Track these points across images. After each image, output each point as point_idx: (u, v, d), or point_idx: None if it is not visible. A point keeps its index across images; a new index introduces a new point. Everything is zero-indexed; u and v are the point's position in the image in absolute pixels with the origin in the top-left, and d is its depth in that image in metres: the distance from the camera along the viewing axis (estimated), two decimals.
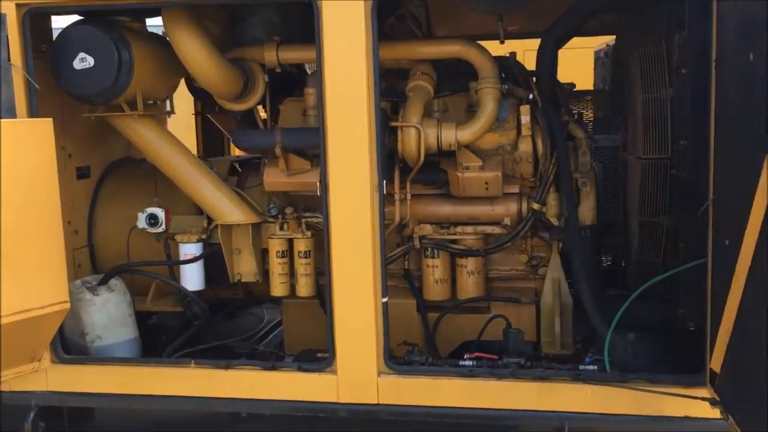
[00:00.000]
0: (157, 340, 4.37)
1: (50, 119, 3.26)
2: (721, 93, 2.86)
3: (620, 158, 4.08)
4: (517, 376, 3.37)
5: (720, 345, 2.93)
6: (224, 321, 4.99)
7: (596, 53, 5.28)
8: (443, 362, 3.60)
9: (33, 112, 3.46)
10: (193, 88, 4.74)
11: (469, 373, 3.43)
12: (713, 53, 2.92)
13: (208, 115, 5.36)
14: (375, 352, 3.45)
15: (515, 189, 4.00)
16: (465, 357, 3.61)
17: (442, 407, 3.43)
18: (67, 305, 3.37)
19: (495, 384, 3.38)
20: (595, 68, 5.21)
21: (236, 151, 6.14)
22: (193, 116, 5.54)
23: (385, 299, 3.45)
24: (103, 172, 4.52)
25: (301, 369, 3.56)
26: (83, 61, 3.57)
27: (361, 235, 3.37)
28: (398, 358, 3.65)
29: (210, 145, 5.76)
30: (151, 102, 4.10)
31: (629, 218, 4.02)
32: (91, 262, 4.42)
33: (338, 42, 3.25)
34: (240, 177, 4.36)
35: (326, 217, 3.42)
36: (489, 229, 4.07)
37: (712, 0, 2.91)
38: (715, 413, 3.01)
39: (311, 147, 3.91)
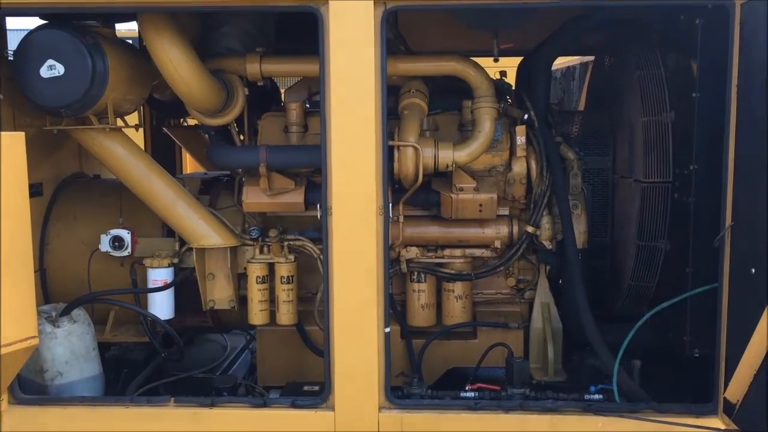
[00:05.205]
0: (117, 375, 4.01)
1: (22, 133, 2.89)
2: (746, 118, 2.83)
3: (610, 180, 4.03)
4: (526, 408, 3.23)
5: (742, 375, 2.89)
6: (184, 349, 4.64)
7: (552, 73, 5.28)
8: (444, 394, 3.41)
9: None
10: (150, 99, 4.41)
11: (475, 406, 3.26)
12: (734, 79, 2.89)
13: (165, 129, 5.02)
14: (376, 385, 3.23)
15: (506, 211, 3.90)
16: (466, 388, 3.44)
17: None
18: (36, 341, 2.98)
19: (503, 417, 3.23)
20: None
21: (188, 168, 5.84)
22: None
23: (387, 329, 3.25)
24: (55, 190, 4.12)
25: (294, 405, 3.29)
26: (52, 69, 3.21)
27: (366, 261, 3.15)
28: (396, 390, 3.44)
29: (160, 162, 5.39)
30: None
31: (619, 240, 3.98)
32: (42, 288, 4.00)
33: (345, 53, 3.03)
34: (211, 196, 4.06)
35: (327, 241, 3.18)
36: (478, 252, 3.95)
37: (733, 27, 2.89)
38: None
39: (300, 166, 3.69)
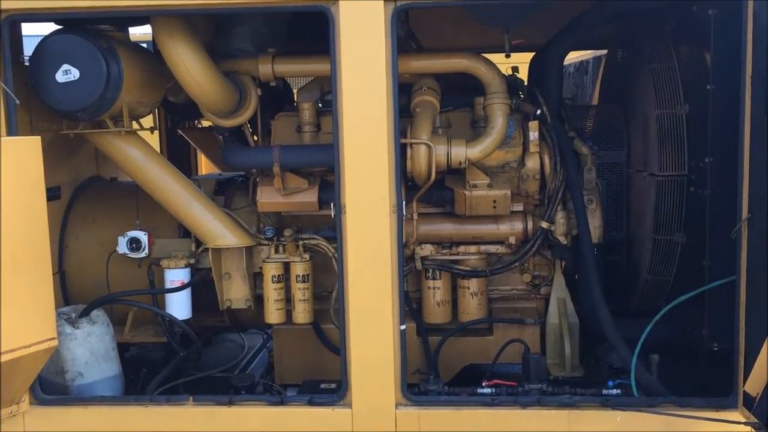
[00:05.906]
0: (136, 374, 4.05)
1: (38, 137, 2.94)
2: (761, 110, 2.81)
3: (624, 174, 4.01)
4: (544, 403, 3.23)
5: (762, 368, 2.86)
6: (202, 349, 4.68)
7: (565, 67, 5.27)
8: (461, 390, 3.42)
9: (12, 130, 3.12)
10: (165, 101, 4.44)
11: (492, 402, 3.26)
12: (748, 70, 2.87)
13: (179, 131, 5.06)
14: (393, 382, 3.24)
15: (520, 207, 3.89)
16: (483, 384, 3.44)
17: None
18: (55, 342, 3.04)
19: (520, 413, 3.23)
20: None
21: (204, 169, 5.88)
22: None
23: (403, 326, 3.25)
24: (73, 193, 4.17)
25: (312, 403, 3.31)
26: (67, 74, 3.25)
27: (380, 259, 3.17)
28: (412, 387, 3.45)
29: (176, 164, 5.43)
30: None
31: (635, 235, 3.96)
32: (61, 290, 4.05)
33: (357, 52, 3.04)
34: (226, 197, 4.09)
35: (341, 240, 3.20)
36: (492, 248, 3.95)
37: (747, 18, 2.86)
38: None
39: (313, 165, 3.70)
